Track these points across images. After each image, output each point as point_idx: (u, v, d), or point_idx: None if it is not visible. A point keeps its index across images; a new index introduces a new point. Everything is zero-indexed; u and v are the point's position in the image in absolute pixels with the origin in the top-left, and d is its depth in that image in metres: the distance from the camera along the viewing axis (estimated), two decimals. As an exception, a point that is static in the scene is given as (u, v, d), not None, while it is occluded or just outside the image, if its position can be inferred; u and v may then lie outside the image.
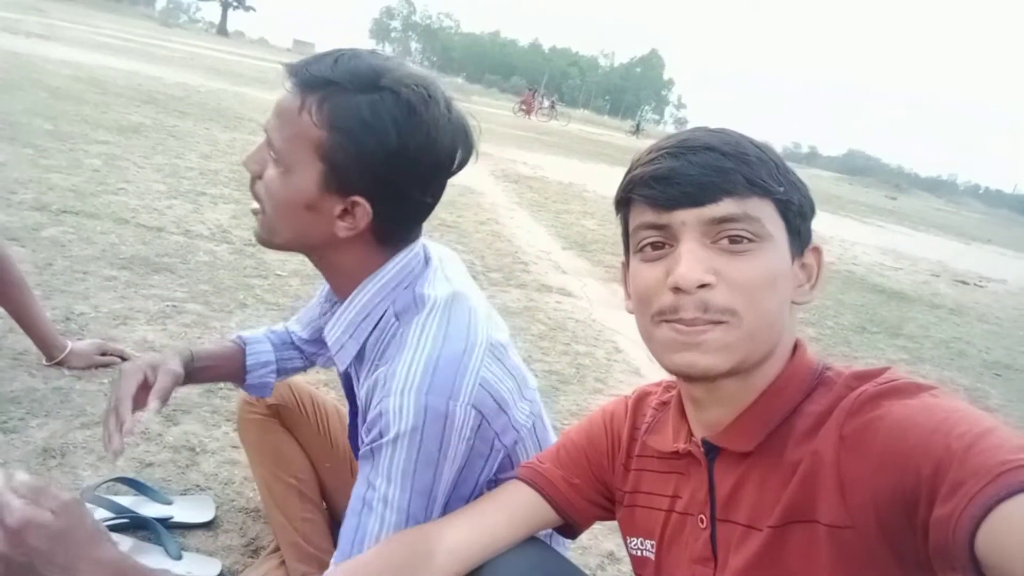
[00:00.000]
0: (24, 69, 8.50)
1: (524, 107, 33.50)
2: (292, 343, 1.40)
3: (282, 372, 1.39)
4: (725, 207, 0.71)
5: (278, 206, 0.96)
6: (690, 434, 0.83)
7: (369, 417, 0.96)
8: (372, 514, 0.93)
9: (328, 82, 0.91)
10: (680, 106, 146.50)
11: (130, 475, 1.63)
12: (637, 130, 43.26)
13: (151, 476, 1.68)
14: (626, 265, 0.83)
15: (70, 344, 2.07)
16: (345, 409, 1.37)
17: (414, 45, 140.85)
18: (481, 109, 22.79)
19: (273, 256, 3.59)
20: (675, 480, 0.85)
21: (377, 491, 0.93)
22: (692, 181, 0.71)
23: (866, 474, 0.63)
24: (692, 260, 0.70)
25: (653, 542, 0.87)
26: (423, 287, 1.02)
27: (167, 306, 2.68)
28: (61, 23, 22.56)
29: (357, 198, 0.94)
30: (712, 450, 0.79)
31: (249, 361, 1.34)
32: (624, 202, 0.80)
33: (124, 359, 2.17)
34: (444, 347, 0.95)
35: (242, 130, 7.88)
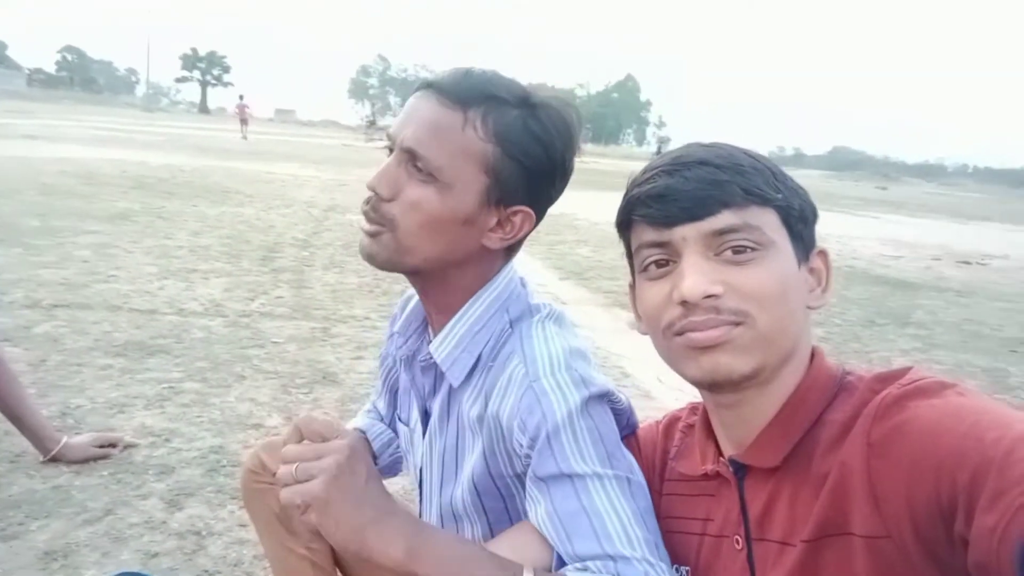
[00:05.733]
0: (15, 171, 8.64)
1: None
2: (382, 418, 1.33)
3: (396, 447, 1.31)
4: (724, 219, 0.71)
5: (430, 223, 0.90)
6: (718, 454, 0.82)
7: (517, 410, 0.88)
8: (590, 492, 0.81)
9: (489, 96, 0.89)
10: (661, 124, 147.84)
11: (136, 570, 1.58)
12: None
13: (157, 566, 1.63)
14: (632, 286, 0.83)
15: (64, 438, 2.03)
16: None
17: (393, 99, 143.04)
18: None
19: (269, 324, 3.58)
20: (706, 503, 0.83)
21: (577, 474, 0.81)
22: (689, 196, 0.72)
23: (899, 481, 0.61)
24: (696, 273, 0.71)
25: (688, 568, 0.85)
26: (531, 298, 1.02)
27: (164, 388, 2.65)
28: (50, 121, 23.05)
29: (521, 208, 0.93)
30: (740, 469, 0.78)
31: (376, 445, 1.29)
32: (625, 224, 0.81)
33: (122, 447, 2.14)
34: (572, 340, 0.94)
35: (230, 203, 7.96)
